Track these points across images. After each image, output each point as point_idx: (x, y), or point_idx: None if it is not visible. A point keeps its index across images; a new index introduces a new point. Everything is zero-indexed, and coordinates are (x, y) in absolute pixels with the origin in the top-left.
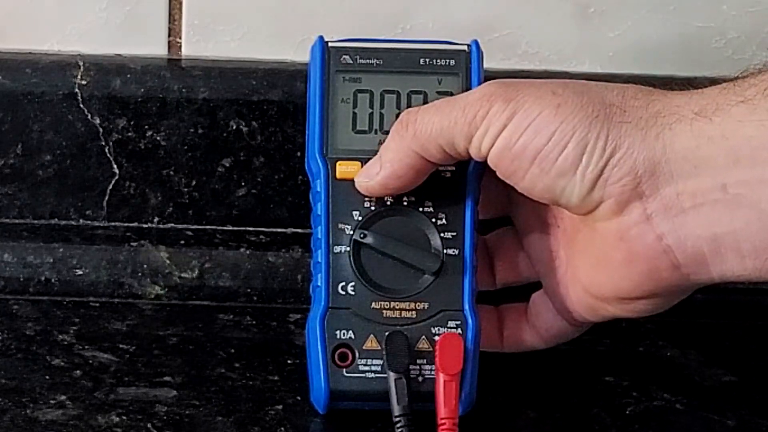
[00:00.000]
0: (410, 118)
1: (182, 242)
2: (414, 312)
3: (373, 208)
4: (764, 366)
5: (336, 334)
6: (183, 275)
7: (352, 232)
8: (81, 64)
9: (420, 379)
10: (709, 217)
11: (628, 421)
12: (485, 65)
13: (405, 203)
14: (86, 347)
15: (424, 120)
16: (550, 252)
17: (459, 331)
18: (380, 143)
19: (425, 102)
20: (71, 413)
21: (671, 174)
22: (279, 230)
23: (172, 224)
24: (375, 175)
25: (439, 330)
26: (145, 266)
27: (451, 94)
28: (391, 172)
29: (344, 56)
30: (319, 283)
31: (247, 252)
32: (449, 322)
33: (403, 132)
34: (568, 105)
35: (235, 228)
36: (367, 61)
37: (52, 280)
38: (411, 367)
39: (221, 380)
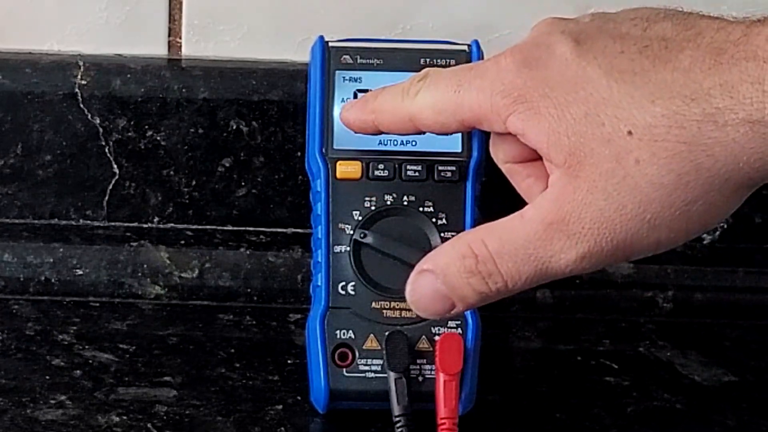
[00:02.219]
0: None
1: (182, 242)
2: (414, 312)
3: (373, 207)
4: (764, 366)
5: (336, 334)
6: (183, 275)
7: (352, 232)
8: (81, 64)
9: (420, 378)
10: None
11: (628, 421)
12: None
13: (405, 203)
14: (86, 347)
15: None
16: None
17: (459, 331)
18: (380, 143)
19: None
20: (71, 413)
21: None
22: (279, 230)
23: (172, 224)
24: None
25: (439, 330)
26: (145, 266)
27: None
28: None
29: (344, 56)
30: (319, 283)
31: (247, 252)
32: (449, 321)
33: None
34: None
35: (235, 228)
36: (367, 60)
37: (52, 280)
38: (411, 366)
39: (221, 380)
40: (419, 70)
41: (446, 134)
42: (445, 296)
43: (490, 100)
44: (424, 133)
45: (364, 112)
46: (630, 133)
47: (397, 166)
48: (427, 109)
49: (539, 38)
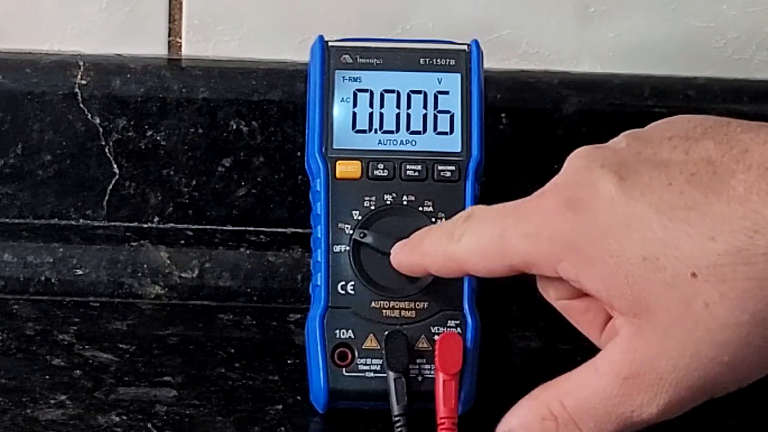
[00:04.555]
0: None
1: (182, 242)
2: (413, 311)
3: (372, 207)
4: None
5: (335, 334)
6: (183, 275)
7: (351, 232)
8: (81, 64)
9: (419, 378)
10: None
11: None
12: (485, 65)
13: (405, 203)
14: (86, 347)
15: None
16: None
17: (458, 330)
18: (380, 143)
19: (425, 102)
20: (71, 413)
21: None
22: (279, 230)
23: (172, 224)
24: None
25: (438, 329)
26: (145, 266)
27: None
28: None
29: (344, 56)
30: (318, 283)
31: (247, 252)
32: (449, 321)
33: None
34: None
35: (235, 228)
36: (367, 60)
37: (52, 280)
38: (410, 366)
39: (221, 380)
40: (419, 70)
41: (495, 277)
42: None
43: (537, 247)
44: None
45: (414, 257)
46: (694, 275)
47: (396, 165)
48: (473, 255)
49: (579, 175)
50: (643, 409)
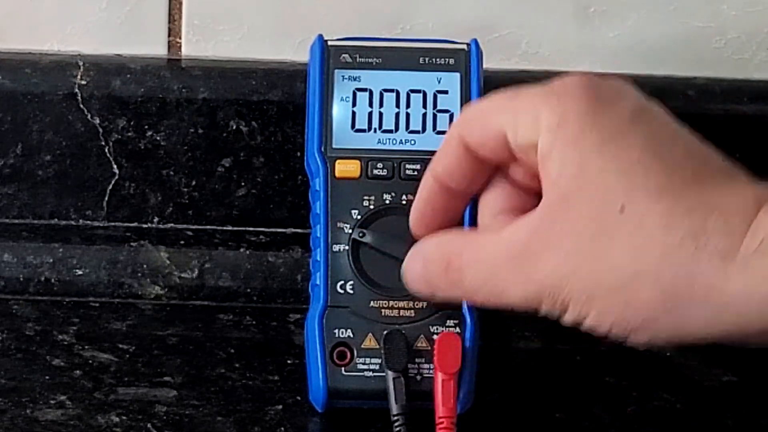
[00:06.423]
0: None
1: (182, 242)
2: (412, 311)
3: (372, 207)
4: (764, 366)
5: (335, 333)
6: (183, 275)
7: (351, 231)
8: (81, 64)
9: (418, 378)
10: None
11: (628, 421)
12: (485, 65)
13: (404, 202)
14: (86, 347)
15: None
16: None
17: (457, 330)
18: (379, 142)
19: (425, 101)
20: (71, 413)
21: None
22: (279, 230)
23: (172, 224)
24: None
25: (437, 329)
26: (145, 266)
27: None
28: None
29: (344, 55)
30: (317, 282)
31: (247, 252)
32: (448, 321)
33: None
34: None
35: (235, 228)
36: (367, 59)
37: (52, 280)
38: (409, 366)
39: (221, 380)
40: (418, 69)
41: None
42: (428, 282)
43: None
44: None
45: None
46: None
47: (396, 165)
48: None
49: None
50: (511, 291)
